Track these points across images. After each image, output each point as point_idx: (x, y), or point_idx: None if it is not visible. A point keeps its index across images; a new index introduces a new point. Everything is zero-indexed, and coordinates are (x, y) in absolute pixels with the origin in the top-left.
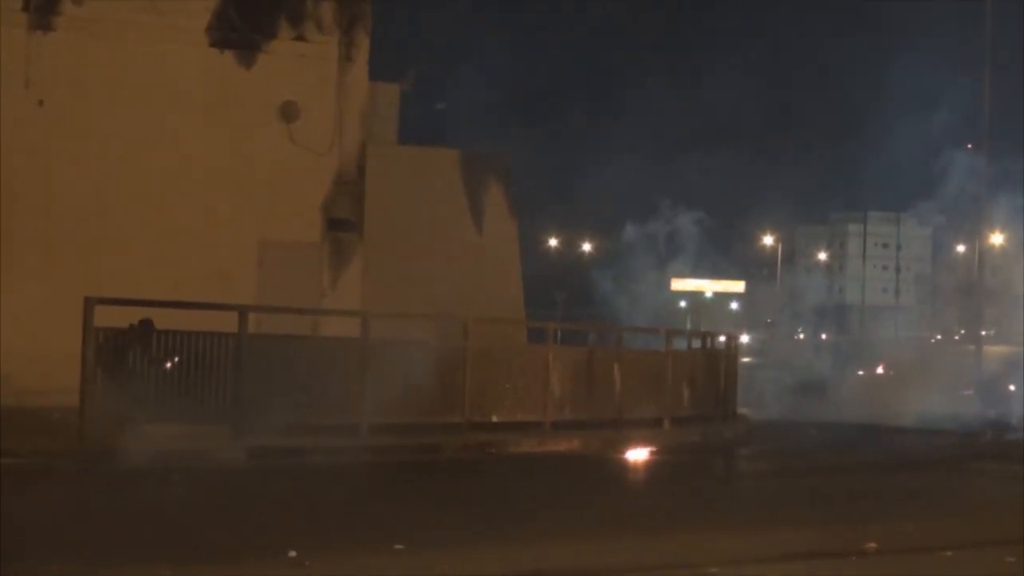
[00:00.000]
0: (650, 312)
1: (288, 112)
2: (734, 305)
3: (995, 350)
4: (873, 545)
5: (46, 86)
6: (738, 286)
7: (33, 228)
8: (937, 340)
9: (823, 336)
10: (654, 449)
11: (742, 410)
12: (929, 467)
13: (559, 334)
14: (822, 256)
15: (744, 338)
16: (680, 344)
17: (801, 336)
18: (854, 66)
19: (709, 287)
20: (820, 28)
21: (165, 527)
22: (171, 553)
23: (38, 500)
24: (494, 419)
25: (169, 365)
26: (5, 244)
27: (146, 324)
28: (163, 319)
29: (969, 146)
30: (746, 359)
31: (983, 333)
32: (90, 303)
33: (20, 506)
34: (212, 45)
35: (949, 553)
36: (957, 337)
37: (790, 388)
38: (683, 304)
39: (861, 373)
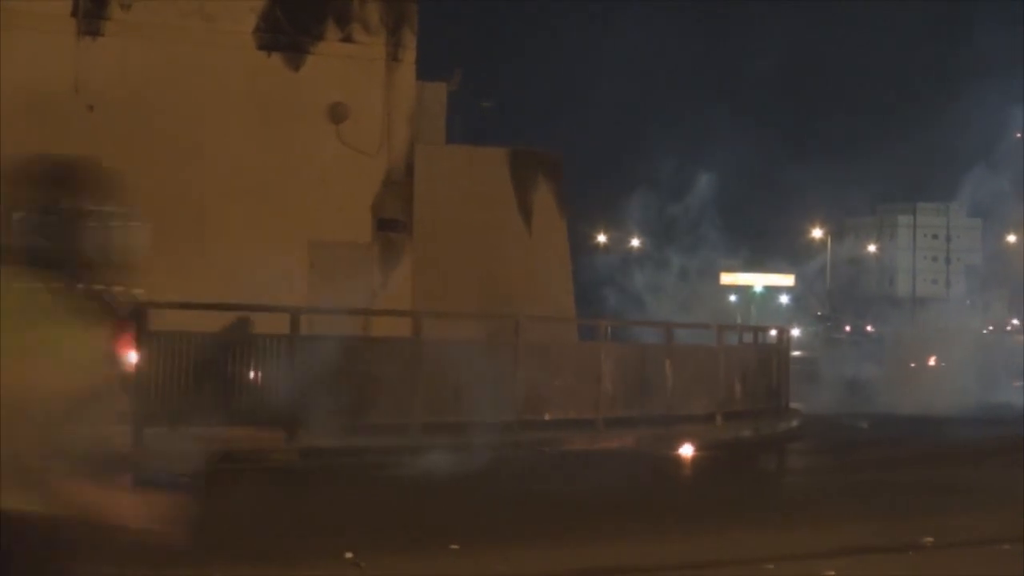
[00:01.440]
0: (700, 307)
1: (336, 113)
2: (784, 299)
3: None
4: (930, 540)
5: (95, 91)
6: (788, 280)
7: None
8: (989, 331)
9: (869, 328)
10: (707, 445)
11: (795, 404)
12: (984, 460)
13: (609, 331)
14: (871, 248)
15: (795, 331)
16: (731, 339)
17: (848, 329)
18: (909, 58)
19: (759, 281)
20: (876, 20)
21: (219, 529)
22: (226, 555)
23: None
24: (546, 417)
25: (220, 367)
26: None
27: (242, 323)
28: (215, 322)
29: (1019, 135)
30: (797, 352)
31: None
32: (143, 307)
33: None
34: (260, 48)
35: (1007, 546)
36: (1009, 328)
37: (842, 381)
38: (733, 299)
39: (913, 365)
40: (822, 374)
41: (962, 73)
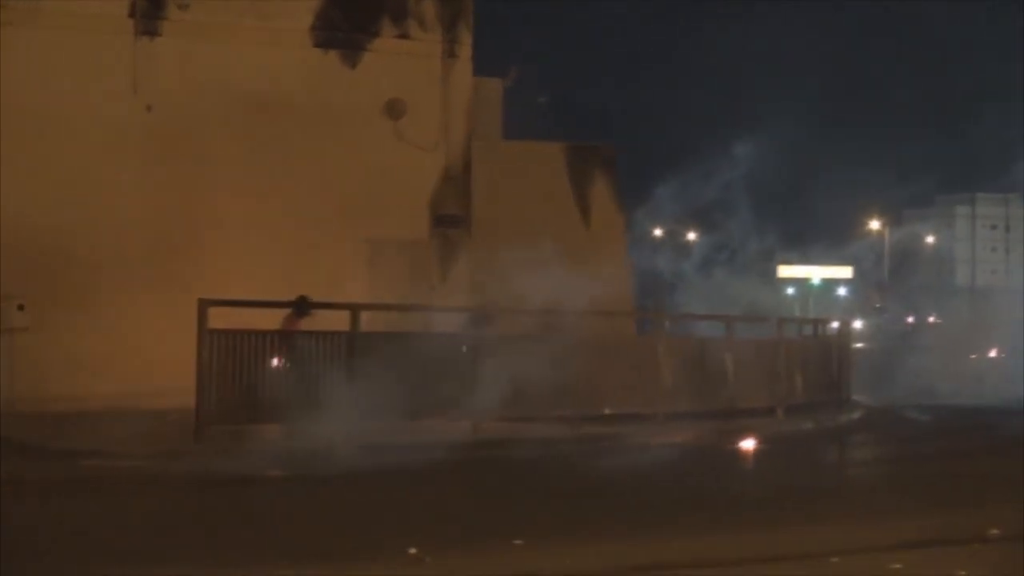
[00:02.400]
0: (757, 300)
1: (394, 110)
2: (842, 291)
3: None
4: (995, 531)
5: (154, 91)
6: (846, 272)
7: (144, 232)
8: None
9: (931, 319)
10: (768, 438)
11: (857, 396)
12: None
13: (668, 325)
14: (930, 239)
15: (857, 323)
16: (790, 332)
17: (911, 320)
18: (973, 45)
19: (816, 273)
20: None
21: (284, 526)
22: (291, 552)
23: (156, 503)
24: (606, 411)
25: (279, 364)
26: (119, 248)
27: (303, 301)
28: (275, 319)
29: None
30: (859, 344)
31: None
32: (203, 305)
33: (140, 509)
34: (316, 46)
35: None
36: None
37: (904, 373)
38: (790, 291)
39: (974, 356)
40: (884, 366)
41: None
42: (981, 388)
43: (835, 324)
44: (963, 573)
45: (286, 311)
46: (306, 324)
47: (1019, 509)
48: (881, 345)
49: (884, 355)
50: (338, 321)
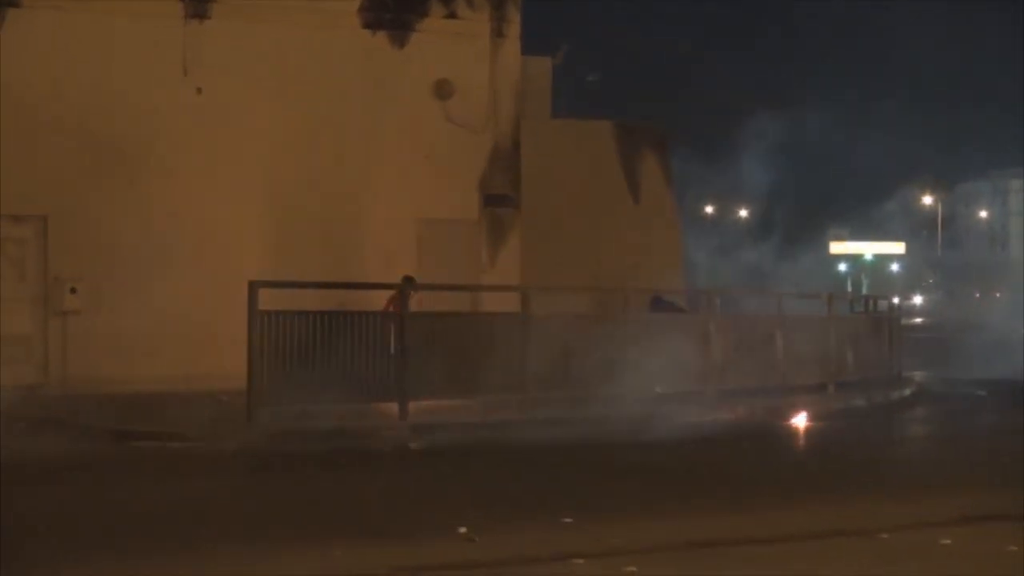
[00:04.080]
0: (810, 276)
1: (443, 90)
2: (895, 267)
3: None
4: None
5: (204, 74)
6: (898, 247)
7: (195, 214)
8: None
9: (996, 295)
10: (819, 415)
11: (909, 372)
12: None
13: (719, 302)
14: (983, 214)
15: (917, 299)
16: (842, 309)
17: (977, 295)
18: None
19: (869, 249)
20: None
21: (336, 506)
22: (342, 532)
23: (208, 483)
24: (657, 389)
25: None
26: (169, 231)
27: (409, 281)
28: (326, 300)
29: None
30: (919, 319)
31: None
32: (254, 287)
33: (193, 490)
34: (365, 27)
35: None
36: None
37: (959, 348)
38: (843, 267)
39: None
40: (939, 341)
41: None
42: None
43: (895, 300)
44: (1014, 548)
45: (390, 292)
46: (414, 305)
47: None
48: (938, 320)
49: (940, 330)
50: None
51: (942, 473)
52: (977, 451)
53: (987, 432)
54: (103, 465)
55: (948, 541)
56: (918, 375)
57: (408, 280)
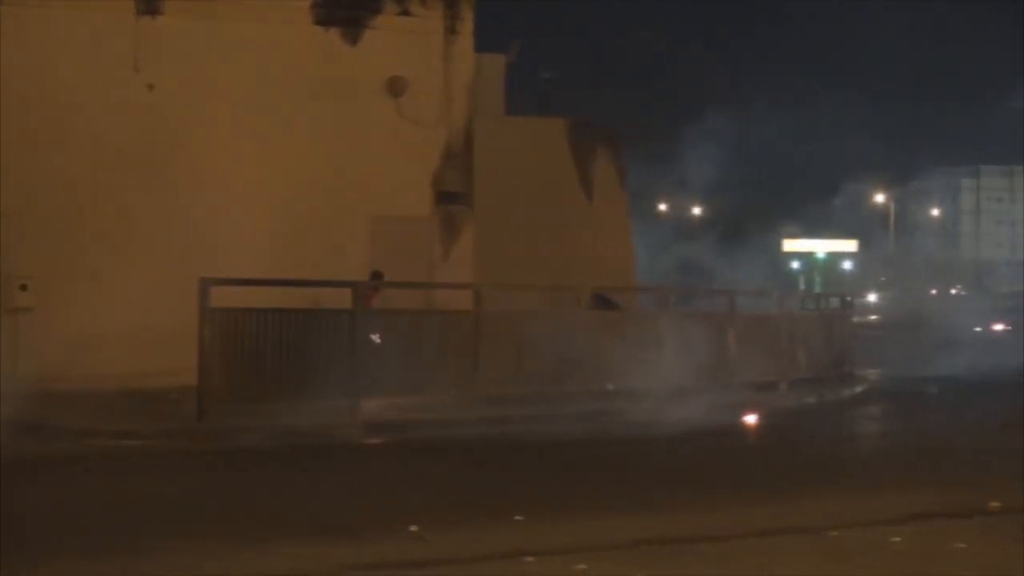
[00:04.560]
0: (762, 274)
1: (395, 87)
2: (847, 265)
3: None
4: (996, 504)
5: (155, 70)
6: (850, 245)
7: (146, 211)
8: None
9: (953, 291)
10: (770, 413)
11: (868, 369)
12: None
13: (672, 300)
14: (935, 212)
15: (872, 297)
16: (793, 306)
17: (934, 292)
18: (973, 19)
19: (821, 247)
20: None
21: (285, 504)
22: (292, 530)
23: (159, 481)
24: (609, 387)
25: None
26: (120, 227)
27: (377, 276)
28: (277, 298)
29: None
30: (874, 317)
31: None
32: (205, 284)
33: (143, 488)
34: (318, 23)
35: None
36: None
37: (909, 346)
38: (795, 265)
39: (978, 330)
40: (890, 339)
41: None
42: (984, 362)
43: (850, 298)
44: (963, 546)
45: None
46: (379, 301)
47: (1020, 483)
48: (891, 319)
49: (892, 328)
50: (341, 299)
51: (892, 471)
52: (926, 449)
53: (937, 430)
54: (53, 463)
55: (897, 539)
56: (870, 372)
57: (376, 275)
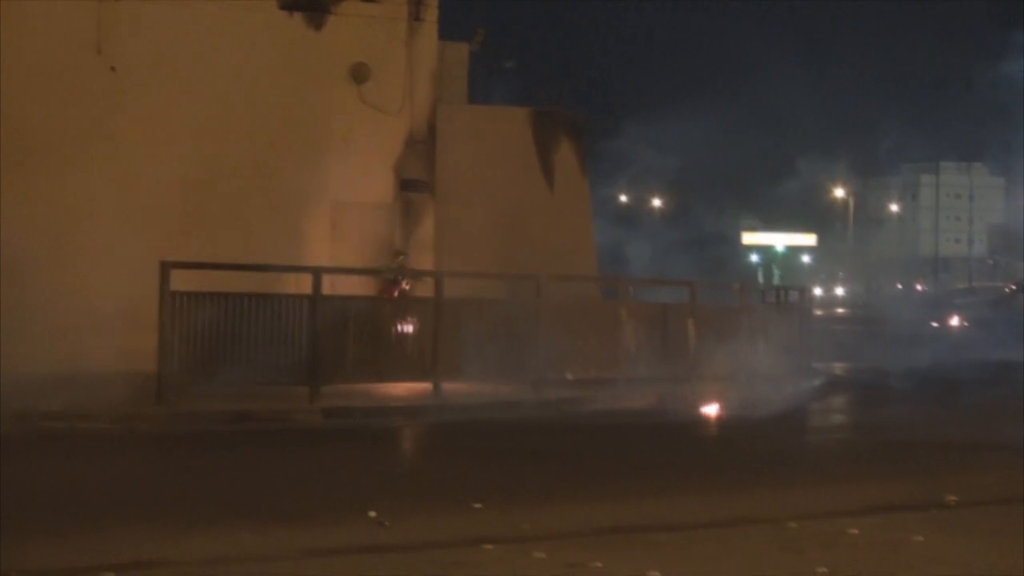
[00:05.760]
0: (722, 267)
1: (358, 73)
2: (806, 258)
3: None
4: (953, 498)
5: (118, 52)
6: (810, 239)
7: (107, 194)
8: (1011, 290)
9: (919, 287)
10: (729, 404)
11: (821, 363)
12: (1008, 418)
13: (632, 290)
14: (894, 208)
15: (839, 290)
16: (753, 298)
17: (900, 287)
18: (932, 16)
19: (780, 240)
20: None
21: (243, 489)
22: (251, 515)
23: (116, 465)
24: (568, 376)
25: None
26: (81, 210)
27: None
28: (237, 282)
29: None
30: (840, 310)
31: None
32: (166, 267)
33: (99, 471)
34: (282, 8)
35: None
36: None
37: (871, 339)
38: (754, 258)
39: (935, 325)
40: (856, 331)
41: (985, 31)
42: (940, 356)
43: (818, 291)
44: (920, 539)
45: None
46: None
47: (977, 475)
48: (859, 312)
49: (856, 322)
50: (301, 284)
51: (849, 463)
52: (884, 441)
53: (895, 422)
54: (8, 446)
55: (855, 531)
56: (829, 365)
57: (400, 268)
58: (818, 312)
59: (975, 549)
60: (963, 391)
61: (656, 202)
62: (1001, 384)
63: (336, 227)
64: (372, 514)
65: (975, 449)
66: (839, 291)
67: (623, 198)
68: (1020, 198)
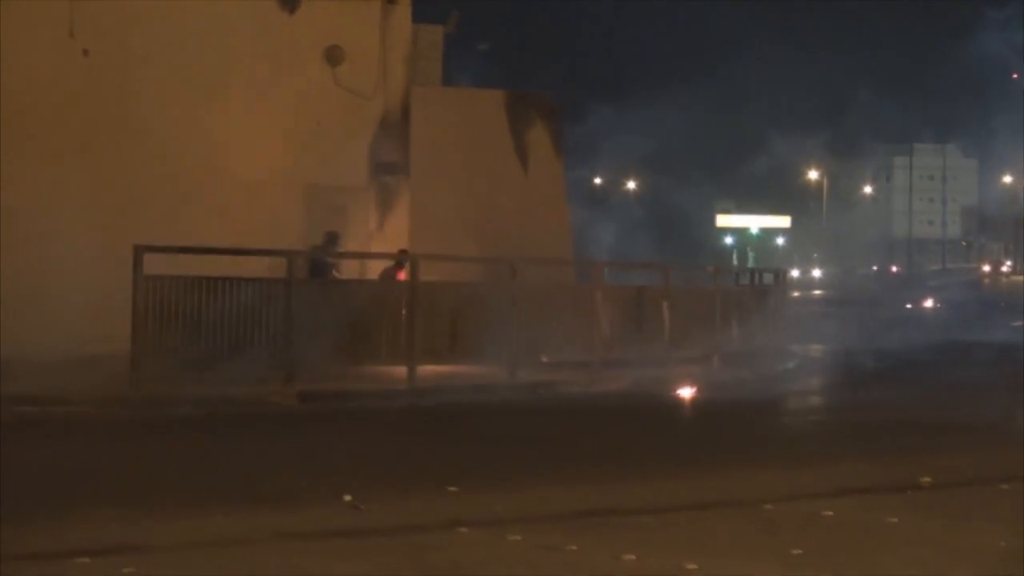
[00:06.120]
0: (697, 249)
1: (333, 56)
2: (780, 240)
3: None
4: (927, 479)
5: (91, 35)
6: (784, 221)
7: (81, 178)
8: (985, 271)
9: (894, 269)
10: (704, 386)
11: (797, 344)
12: (983, 399)
13: (607, 273)
14: (868, 189)
15: (817, 272)
16: (728, 281)
17: (875, 269)
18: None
19: (755, 223)
20: None
21: (218, 473)
22: (225, 498)
23: (90, 448)
24: (543, 359)
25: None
26: (54, 194)
27: (333, 237)
28: (213, 266)
29: (1015, 76)
30: (818, 292)
31: None
32: (139, 251)
33: (73, 455)
34: None
35: (1005, 486)
36: (1005, 268)
37: (844, 321)
38: (729, 240)
39: (909, 306)
40: (832, 313)
41: (959, 13)
42: (915, 337)
43: (795, 273)
44: (894, 520)
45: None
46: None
47: (951, 456)
48: (836, 294)
49: (832, 303)
50: (276, 268)
51: (825, 444)
52: (859, 423)
53: (869, 403)
54: None
55: (830, 512)
56: (803, 347)
57: (402, 252)
58: (796, 294)
59: (950, 530)
60: (937, 372)
61: (631, 184)
62: (974, 365)
63: (311, 209)
64: (347, 497)
65: (949, 430)
66: (816, 273)
67: (598, 180)
68: (994, 179)
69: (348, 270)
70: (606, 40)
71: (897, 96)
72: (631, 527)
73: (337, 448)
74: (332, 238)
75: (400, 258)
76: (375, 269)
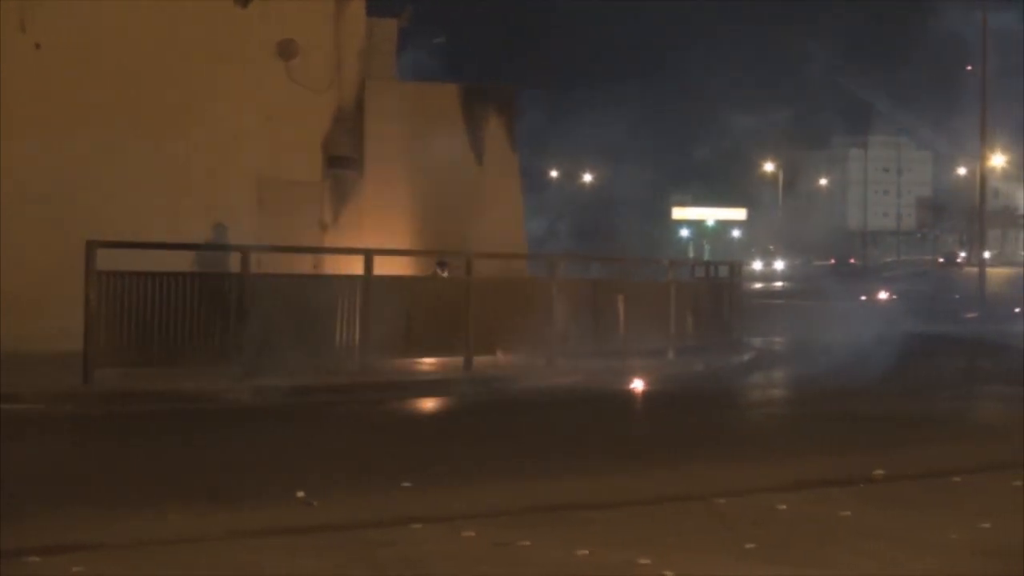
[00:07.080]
0: (652, 242)
1: (286, 50)
2: (736, 233)
3: (997, 272)
4: (881, 472)
5: (43, 29)
6: (740, 214)
7: (32, 172)
8: (940, 263)
9: (852, 260)
10: (658, 380)
11: (752, 337)
12: (936, 392)
13: (562, 266)
14: (823, 182)
15: (778, 264)
16: (683, 274)
17: (833, 261)
18: None
19: (711, 215)
20: None
21: (171, 470)
22: (178, 495)
23: (42, 445)
24: (498, 353)
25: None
26: (7, 188)
27: (221, 229)
28: (165, 261)
29: (969, 68)
30: (779, 284)
31: (985, 255)
32: (92, 246)
33: (25, 452)
34: None
35: (957, 479)
36: (959, 260)
37: (799, 313)
38: (685, 233)
39: (864, 298)
40: (790, 306)
41: (915, 6)
42: (870, 329)
43: (757, 265)
44: (847, 513)
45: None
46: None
47: (903, 449)
48: (786, 287)
49: (783, 296)
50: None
51: (778, 438)
52: (813, 416)
53: (823, 397)
54: None
55: (784, 506)
56: (759, 340)
57: (441, 262)
58: (757, 286)
59: (902, 522)
60: (890, 366)
61: (587, 177)
62: (928, 357)
63: (264, 204)
64: (300, 494)
65: (903, 423)
66: (778, 265)
67: (554, 173)
68: (948, 171)
69: (301, 264)
70: (564, 33)
71: (853, 89)
72: (585, 522)
73: (291, 444)
74: (221, 231)
75: (440, 259)
76: (329, 264)
